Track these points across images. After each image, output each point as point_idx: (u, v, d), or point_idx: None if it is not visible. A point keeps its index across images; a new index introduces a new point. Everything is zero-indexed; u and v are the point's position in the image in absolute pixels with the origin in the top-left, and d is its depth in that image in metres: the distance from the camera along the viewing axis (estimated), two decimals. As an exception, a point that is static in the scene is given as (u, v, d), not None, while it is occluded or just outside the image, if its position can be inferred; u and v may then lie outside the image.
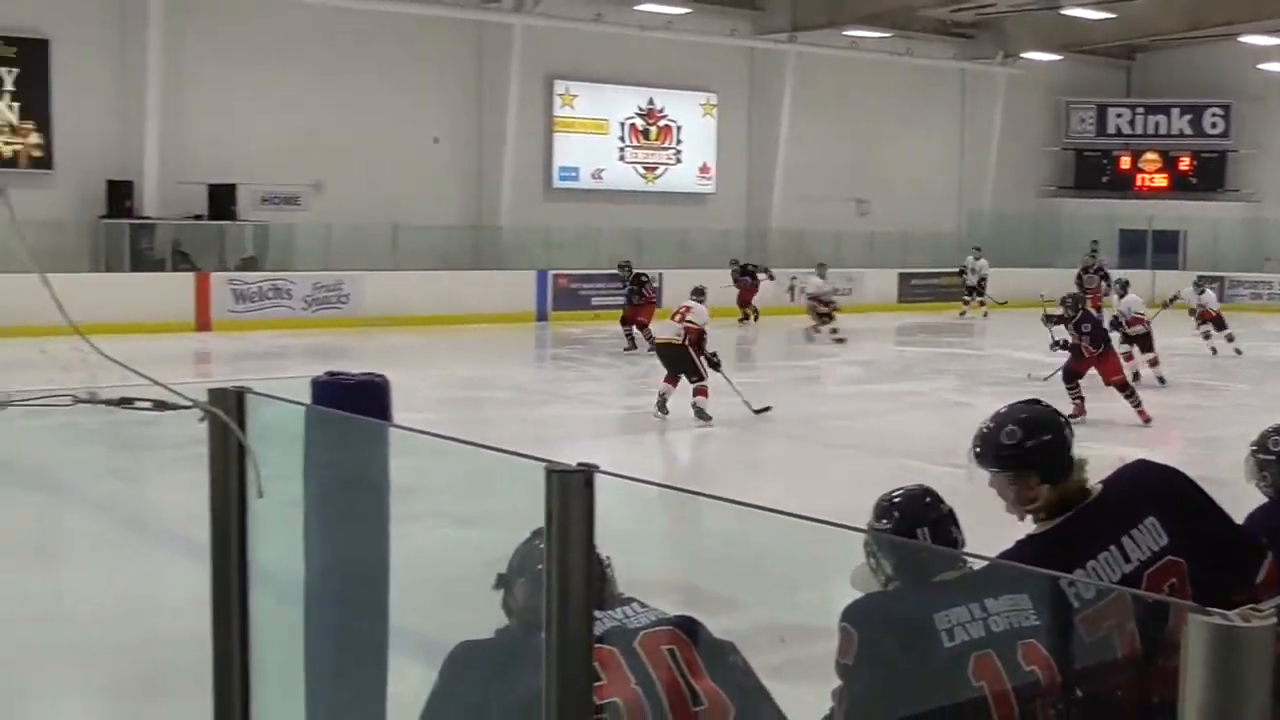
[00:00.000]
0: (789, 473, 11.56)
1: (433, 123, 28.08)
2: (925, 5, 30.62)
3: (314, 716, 2.82)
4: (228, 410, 2.60)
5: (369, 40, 26.79)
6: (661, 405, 13.64)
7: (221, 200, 25.26)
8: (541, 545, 2.07)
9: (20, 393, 2.63)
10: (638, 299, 21.58)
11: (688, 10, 29.38)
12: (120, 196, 24.49)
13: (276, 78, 25.80)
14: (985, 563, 3.32)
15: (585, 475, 1.94)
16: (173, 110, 24.81)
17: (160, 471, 10.02)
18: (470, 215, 28.76)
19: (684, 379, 13.81)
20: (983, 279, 29.39)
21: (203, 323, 23.52)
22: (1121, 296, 17.93)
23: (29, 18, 23.80)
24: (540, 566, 2.10)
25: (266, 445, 2.64)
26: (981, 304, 28.77)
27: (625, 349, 20.90)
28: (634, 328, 21.14)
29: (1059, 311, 14.80)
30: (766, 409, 13.84)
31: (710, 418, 13.58)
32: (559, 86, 30.04)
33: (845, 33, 31.11)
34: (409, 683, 2.90)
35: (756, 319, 26.10)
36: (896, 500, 3.30)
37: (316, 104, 26.24)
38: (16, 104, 24.03)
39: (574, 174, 30.47)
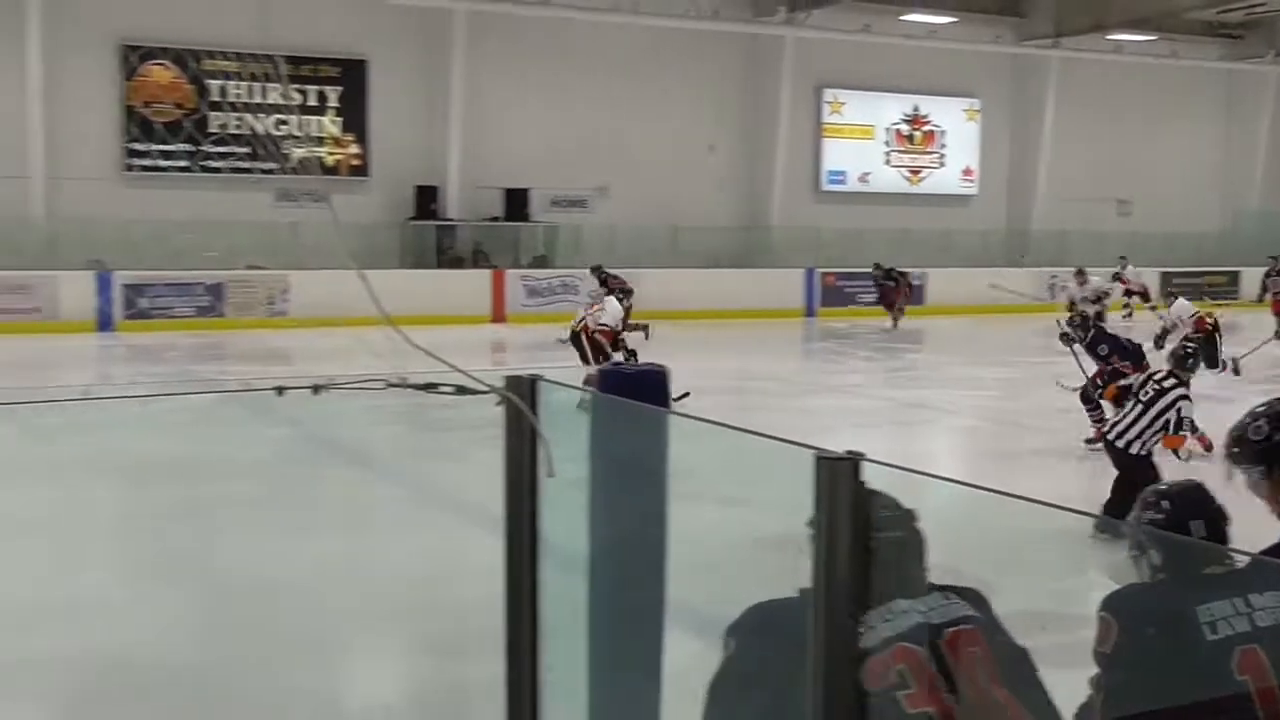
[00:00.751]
0: (1046, 465, 11.20)
1: (708, 130, 28.26)
2: (1191, 7, 29.11)
3: (596, 680, 2.86)
4: (522, 396, 2.66)
5: (650, 54, 27.15)
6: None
7: (516, 203, 26.06)
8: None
9: (338, 377, 2.74)
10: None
11: (953, 19, 28.75)
12: (426, 200, 25.54)
13: (566, 90, 26.40)
14: (1247, 559, 3.13)
15: (853, 463, 1.91)
16: (473, 122, 25.68)
17: (459, 451, 10.34)
18: (743, 216, 28.83)
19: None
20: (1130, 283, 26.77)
21: (498, 315, 24.27)
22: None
23: (351, 41, 24.98)
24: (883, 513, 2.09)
25: (556, 428, 2.69)
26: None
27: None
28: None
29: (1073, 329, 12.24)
30: (685, 395, 12.93)
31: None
32: (828, 94, 29.88)
33: (1109, 37, 29.91)
34: (684, 652, 2.91)
35: (896, 321, 24.44)
36: (1169, 493, 3.15)
37: (602, 114, 26.74)
38: (339, 119, 25.29)
39: (841, 177, 30.26)
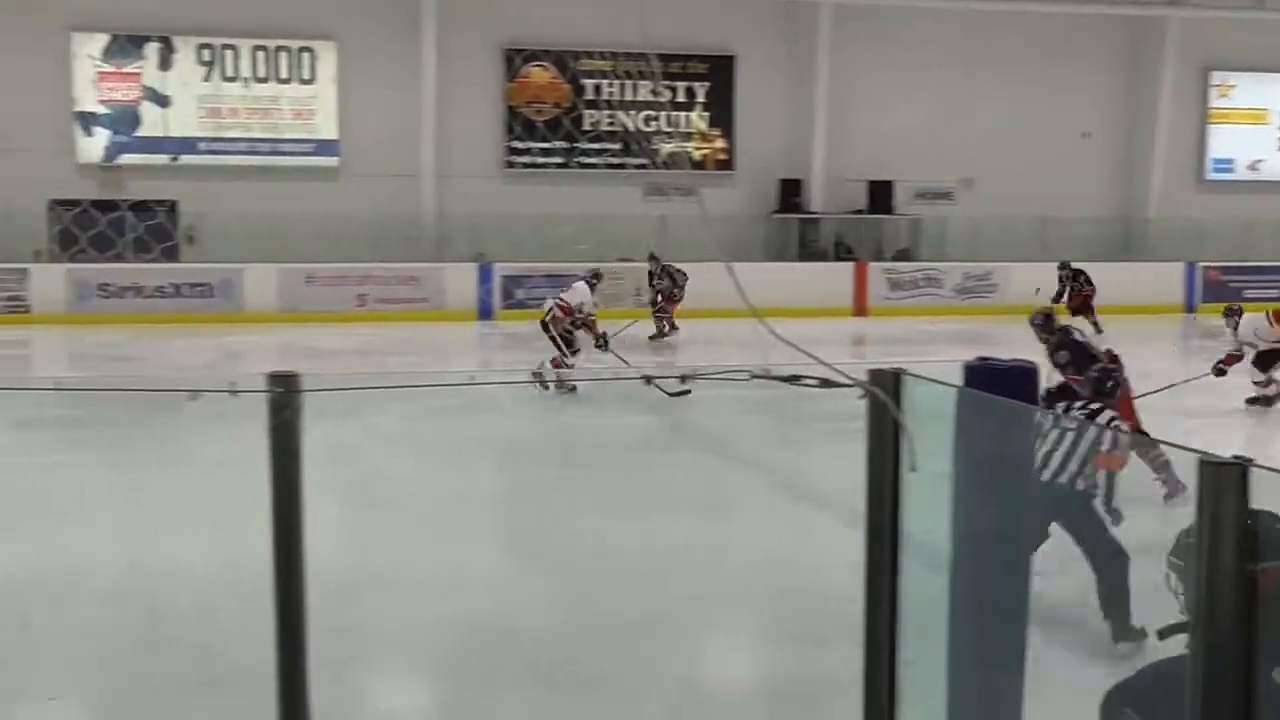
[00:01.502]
0: None
1: (1082, 117, 27.15)
2: None
3: (955, 677, 2.83)
4: (885, 389, 2.66)
5: (1019, 40, 26.35)
6: (540, 380, 13.29)
7: (880, 196, 25.86)
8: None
9: (704, 368, 2.82)
10: (672, 292, 19.54)
11: (1361, -10, 26.52)
12: (789, 194, 25.71)
13: (931, 80, 25.95)
14: None
15: (1240, 468, 1.81)
16: (838, 115, 25.62)
17: (820, 443, 10.36)
18: (1118, 207, 27.57)
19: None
20: None
21: (859, 308, 24.14)
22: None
23: (720, 38, 25.41)
24: None
25: (918, 422, 2.67)
26: None
27: (650, 336, 19.15)
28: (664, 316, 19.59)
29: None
30: (685, 392, 11.46)
31: (547, 388, 13.34)
32: (1215, 77, 28.14)
33: None
34: (1049, 654, 2.84)
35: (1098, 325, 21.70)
36: None
37: (968, 103, 26.14)
38: (707, 114, 25.78)
39: (1229, 165, 28.45)
